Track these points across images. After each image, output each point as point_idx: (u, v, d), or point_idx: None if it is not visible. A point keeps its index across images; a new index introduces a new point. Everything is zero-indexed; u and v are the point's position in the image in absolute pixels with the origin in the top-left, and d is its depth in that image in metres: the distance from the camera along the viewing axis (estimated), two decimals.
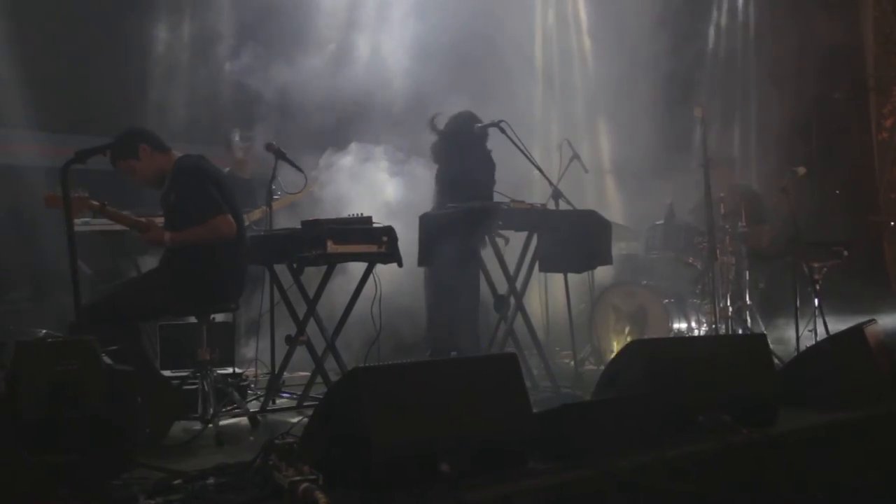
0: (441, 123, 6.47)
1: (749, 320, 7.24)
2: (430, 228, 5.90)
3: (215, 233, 4.84)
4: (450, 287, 6.07)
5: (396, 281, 5.81)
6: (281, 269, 5.55)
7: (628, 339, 6.83)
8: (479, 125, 6.31)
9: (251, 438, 4.58)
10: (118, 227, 5.29)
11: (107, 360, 3.22)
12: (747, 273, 7.26)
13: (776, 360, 5.57)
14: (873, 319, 5.30)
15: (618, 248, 6.52)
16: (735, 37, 10.51)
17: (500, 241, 6.13)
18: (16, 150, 7.31)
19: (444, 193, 6.30)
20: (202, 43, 7.59)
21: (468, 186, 6.13)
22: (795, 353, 6.22)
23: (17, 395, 2.79)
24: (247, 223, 5.53)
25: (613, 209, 6.59)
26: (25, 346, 2.83)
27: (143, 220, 5.00)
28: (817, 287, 6.90)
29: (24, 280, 7.07)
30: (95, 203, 4.67)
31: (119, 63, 7.54)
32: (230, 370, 5.59)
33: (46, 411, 2.79)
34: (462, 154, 6.32)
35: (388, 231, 5.33)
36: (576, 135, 7.72)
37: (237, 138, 7.23)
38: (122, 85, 7.50)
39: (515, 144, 6.10)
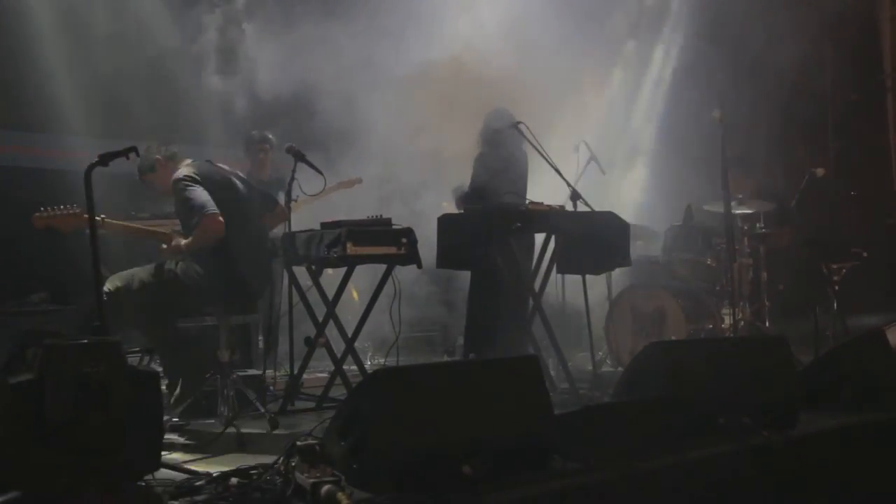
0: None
1: (768, 322, 7.21)
2: (449, 230, 5.90)
3: (205, 234, 4.96)
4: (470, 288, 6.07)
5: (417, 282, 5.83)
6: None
7: (646, 340, 6.81)
8: (496, 126, 6.31)
9: (271, 440, 4.59)
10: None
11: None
12: (765, 274, 7.24)
13: (796, 363, 5.55)
14: (894, 321, 5.27)
15: (636, 249, 6.49)
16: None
17: None
18: (37, 153, 7.35)
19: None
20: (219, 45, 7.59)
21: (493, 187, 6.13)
22: (815, 356, 6.19)
23: (44, 396, 2.81)
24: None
25: (632, 210, 6.56)
26: (52, 347, 2.84)
27: (164, 231, 5.15)
28: (836, 289, 6.87)
29: (43, 282, 7.11)
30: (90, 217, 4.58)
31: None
32: (248, 372, 5.61)
33: (73, 413, 2.80)
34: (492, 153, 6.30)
35: (408, 233, 5.33)
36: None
37: (254, 142, 7.26)
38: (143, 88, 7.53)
39: (533, 145, 6.10)
